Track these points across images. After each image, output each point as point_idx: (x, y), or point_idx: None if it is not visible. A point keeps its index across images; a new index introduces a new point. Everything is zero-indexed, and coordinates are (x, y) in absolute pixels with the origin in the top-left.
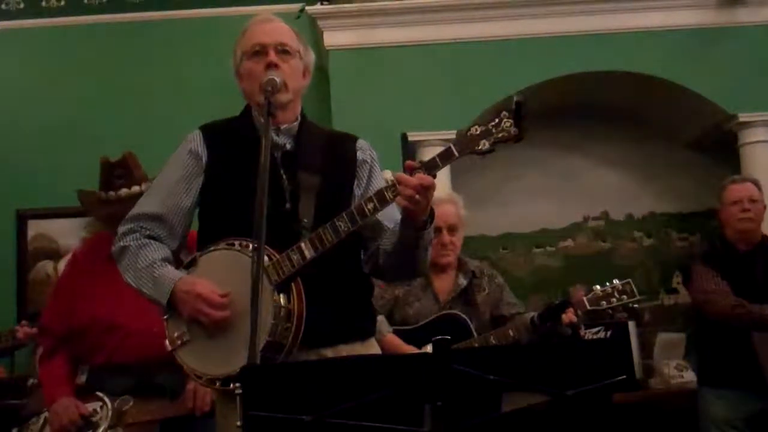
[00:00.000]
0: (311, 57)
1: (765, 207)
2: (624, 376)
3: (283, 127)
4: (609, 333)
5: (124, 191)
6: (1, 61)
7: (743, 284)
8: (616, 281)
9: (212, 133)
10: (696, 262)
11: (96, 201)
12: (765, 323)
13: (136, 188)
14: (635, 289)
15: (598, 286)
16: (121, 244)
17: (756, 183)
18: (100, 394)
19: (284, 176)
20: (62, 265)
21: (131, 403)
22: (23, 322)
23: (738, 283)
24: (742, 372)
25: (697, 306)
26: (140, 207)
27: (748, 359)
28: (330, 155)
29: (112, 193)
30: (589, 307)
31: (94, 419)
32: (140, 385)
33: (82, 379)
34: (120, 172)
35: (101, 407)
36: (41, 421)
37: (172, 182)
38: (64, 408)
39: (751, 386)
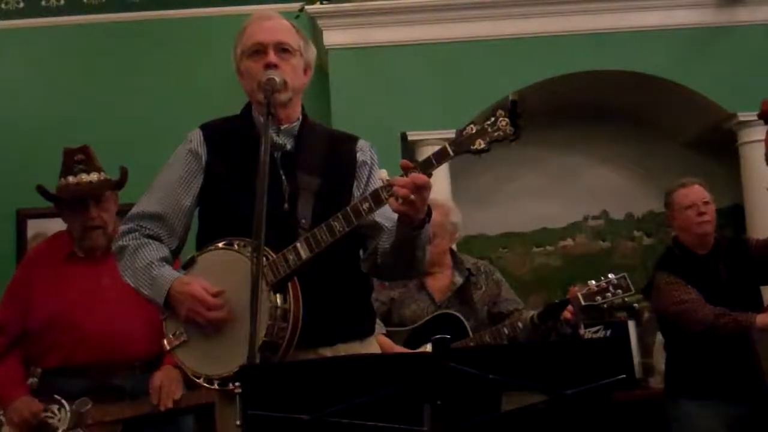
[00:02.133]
0: (312, 53)
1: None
2: (624, 375)
3: (283, 127)
4: (609, 332)
5: (83, 176)
6: (1, 60)
7: (709, 289)
8: (611, 275)
9: (212, 132)
10: (658, 272)
11: (59, 188)
12: (750, 330)
13: (95, 175)
14: (630, 284)
15: (593, 281)
16: (120, 243)
17: (702, 184)
18: (56, 396)
19: (283, 177)
20: None
21: (90, 405)
22: None
23: (704, 289)
24: (722, 379)
25: (671, 317)
26: (140, 206)
27: (728, 365)
28: (330, 156)
29: (71, 177)
30: (583, 303)
31: (51, 421)
32: (97, 387)
33: (33, 382)
34: (80, 158)
35: (59, 409)
36: None
37: (171, 181)
38: (23, 403)
39: (733, 392)
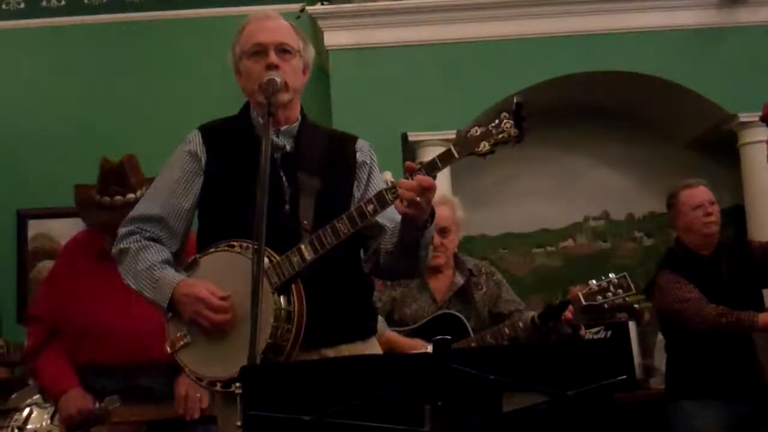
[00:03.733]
0: (311, 53)
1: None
2: (624, 376)
3: (283, 128)
4: (609, 333)
5: (118, 198)
6: (2, 61)
7: (711, 290)
8: (611, 275)
9: (211, 133)
10: (661, 271)
11: (91, 202)
12: (752, 329)
13: (131, 196)
14: (631, 284)
15: (593, 281)
16: (121, 246)
17: (706, 185)
18: (88, 392)
19: (284, 178)
20: None
21: (119, 403)
22: None
23: (706, 289)
24: (723, 379)
25: (673, 316)
26: (140, 209)
27: (729, 366)
28: (330, 157)
29: (106, 198)
30: (584, 303)
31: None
32: (125, 387)
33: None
34: (116, 179)
35: None
36: (24, 414)
37: (171, 183)
38: (74, 398)
39: (734, 392)
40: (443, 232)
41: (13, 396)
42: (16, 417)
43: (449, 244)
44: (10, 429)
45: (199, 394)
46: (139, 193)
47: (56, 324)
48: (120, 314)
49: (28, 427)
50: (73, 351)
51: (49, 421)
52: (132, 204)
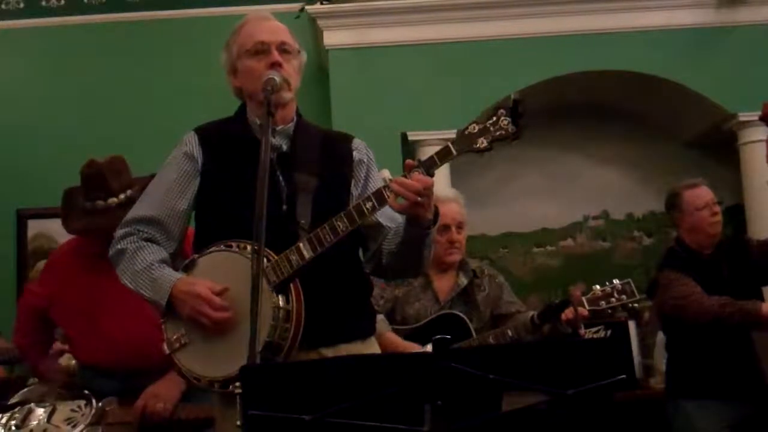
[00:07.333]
0: (304, 56)
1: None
2: (624, 376)
3: (278, 128)
4: (609, 332)
5: (99, 203)
6: (1, 60)
7: (712, 287)
8: (615, 281)
9: (207, 135)
10: (662, 270)
11: (75, 207)
12: (756, 318)
13: (112, 200)
14: (635, 289)
15: (597, 286)
16: (118, 247)
17: (707, 184)
18: (86, 392)
19: (281, 178)
20: None
21: (115, 405)
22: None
23: (707, 287)
24: (724, 379)
25: (675, 312)
26: (136, 211)
27: (729, 366)
28: (326, 156)
29: (88, 203)
30: (588, 308)
31: (74, 415)
32: (126, 388)
33: (32, 383)
34: (95, 184)
35: (85, 405)
36: (49, 409)
37: (167, 185)
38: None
39: (734, 392)
40: (460, 227)
41: (20, 392)
42: (15, 414)
43: (463, 240)
44: (7, 427)
45: (161, 405)
46: (122, 197)
47: (50, 312)
48: (115, 317)
49: (27, 424)
50: (76, 351)
51: (46, 420)
52: (113, 208)
